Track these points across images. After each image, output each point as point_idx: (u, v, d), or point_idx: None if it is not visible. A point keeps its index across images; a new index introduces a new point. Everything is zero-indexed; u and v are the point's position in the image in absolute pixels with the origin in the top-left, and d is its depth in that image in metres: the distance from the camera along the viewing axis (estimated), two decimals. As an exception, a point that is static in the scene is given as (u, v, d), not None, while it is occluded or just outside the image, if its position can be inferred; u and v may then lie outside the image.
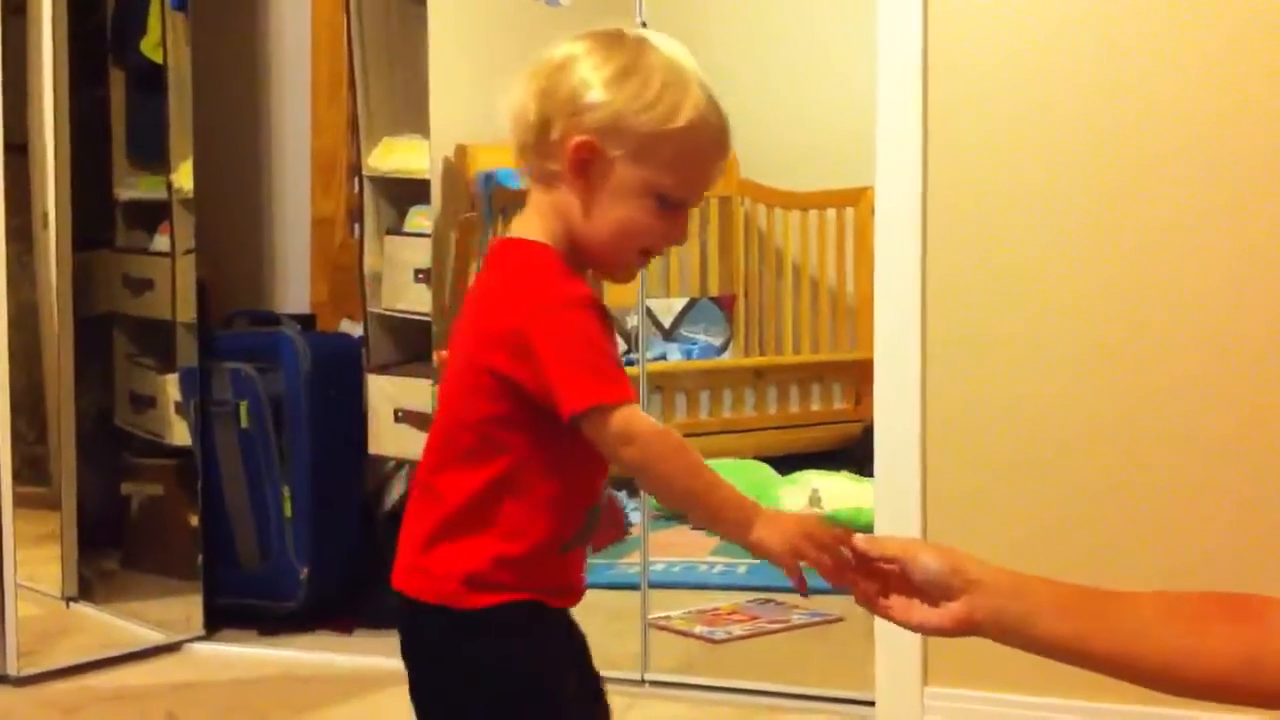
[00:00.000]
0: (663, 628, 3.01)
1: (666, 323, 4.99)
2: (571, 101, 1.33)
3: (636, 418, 1.29)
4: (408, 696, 2.74)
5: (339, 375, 3.22)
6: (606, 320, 1.33)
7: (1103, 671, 1.22)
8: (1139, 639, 1.20)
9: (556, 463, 1.33)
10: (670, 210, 1.35)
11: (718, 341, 4.99)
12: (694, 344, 4.92)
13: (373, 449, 3.22)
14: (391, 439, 3.19)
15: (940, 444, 2.38)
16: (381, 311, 3.29)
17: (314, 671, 2.87)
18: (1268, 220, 2.18)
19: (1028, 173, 2.33)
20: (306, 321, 3.37)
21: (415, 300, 3.20)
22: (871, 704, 2.44)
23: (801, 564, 1.26)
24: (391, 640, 2.96)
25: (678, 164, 1.33)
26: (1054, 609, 1.24)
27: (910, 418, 2.40)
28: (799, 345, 4.92)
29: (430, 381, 3.10)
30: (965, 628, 1.23)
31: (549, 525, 1.35)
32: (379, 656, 2.92)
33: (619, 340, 1.45)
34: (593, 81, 1.33)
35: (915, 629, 1.26)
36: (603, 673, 2.71)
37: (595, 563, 3.28)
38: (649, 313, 4.95)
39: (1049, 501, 2.32)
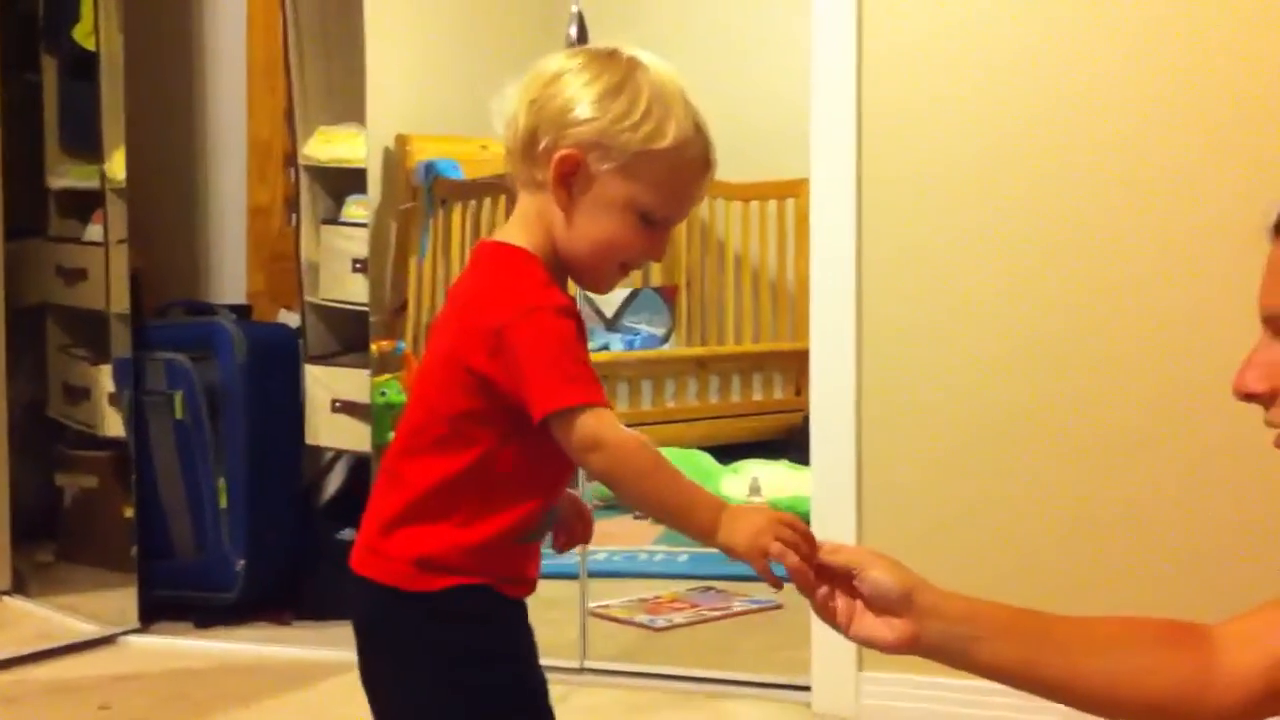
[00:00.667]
0: (603, 616, 3.02)
1: (609, 313, 4.98)
2: (560, 115, 1.37)
3: (605, 423, 1.30)
4: (344, 688, 2.73)
5: (275, 366, 3.20)
6: (582, 328, 1.36)
7: (1046, 696, 1.23)
8: (1083, 664, 1.21)
9: (523, 460, 1.35)
10: (651, 227, 1.38)
11: (660, 331, 5.00)
12: (636, 334, 4.93)
13: (310, 440, 3.20)
14: (329, 430, 3.17)
15: (875, 433, 2.40)
16: (319, 302, 3.27)
17: (250, 663, 2.85)
18: (1203, 215, 2.21)
19: (963, 164, 2.35)
20: (242, 311, 3.35)
21: (353, 291, 3.18)
22: (808, 689, 2.46)
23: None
24: (329, 631, 3.00)
25: (661, 183, 1.36)
26: (1000, 633, 1.25)
27: (846, 407, 2.42)
28: (741, 335, 4.94)
29: (368, 372, 3.09)
30: (908, 647, 1.24)
31: (508, 519, 1.36)
32: (316, 648, 2.91)
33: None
34: (582, 97, 1.37)
35: (860, 641, 1.26)
36: (541, 661, 2.72)
37: (535, 551, 3.30)
38: (591, 303, 4.95)
39: (982, 489, 2.34)
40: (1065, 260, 2.30)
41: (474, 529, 1.36)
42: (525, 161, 1.39)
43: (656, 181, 1.37)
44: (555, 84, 1.39)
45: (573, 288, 1.48)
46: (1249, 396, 1.15)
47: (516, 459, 1.35)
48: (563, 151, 1.36)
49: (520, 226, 1.41)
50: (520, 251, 1.40)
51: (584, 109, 1.36)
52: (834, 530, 2.43)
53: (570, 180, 1.37)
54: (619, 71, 1.38)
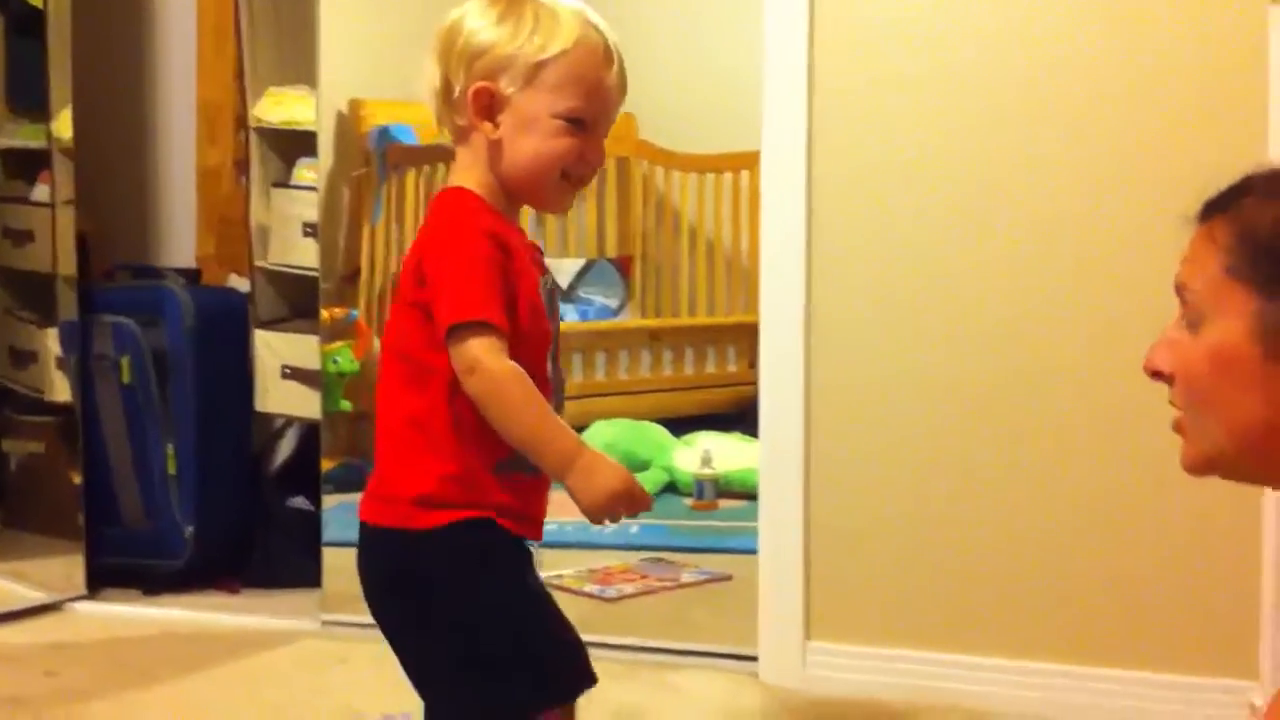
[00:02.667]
0: (554, 587, 2.99)
1: (564, 283, 4.97)
2: (463, 54, 1.45)
3: (486, 349, 1.36)
4: (292, 657, 2.73)
5: (224, 331, 3.17)
6: (505, 254, 1.40)
7: None
8: None
9: None
10: (580, 131, 1.45)
11: (614, 303, 5.00)
12: (590, 305, 4.93)
13: (259, 406, 3.18)
14: (279, 396, 3.15)
15: (824, 406, 2.41)
16: (269, 266, 3.24)
17: (198, 631, 2.83)
18: (1150, 207, 2.22)
19: (913, 140, 2.35)
20: (191, 276, 3.31)
21: (303, 255, 3.15)
22: (755, 659, 2.48)
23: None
24: (278, 599, 2.98)
25: (568, 85, 1.44)
26: None
27: (794, 380, 2.42)
28: (695, 308, 4.94)
29: (318, 339, 3.06)
30: None
31: (482, 443, 1.40)
32: (265, 616, 2.90)
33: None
34: (476, 29, 1.45)
35: None
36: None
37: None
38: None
39: (929, 460, 2.36)
40: (1016, 237, 2.30)
41: (454, 458, 1.42)
42: (449, 112, 1.48)
43: (564, 85, 1.45)
44: (452, 31, 1.47)
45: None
46: (1156, 375, 1.17)
47: None
48: (474, 86, 1.44)
49: (463, 170, 1.48)
50: (459, 190, 1.47)
51: (479, 42, 1.46)
52: (781, 501, 2.45)
53: (489, 110, 1.45)
54: (502, 4, 1.47)
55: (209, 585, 3.07)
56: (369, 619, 2.93)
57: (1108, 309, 2.24)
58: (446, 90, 1.47)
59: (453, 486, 1.42)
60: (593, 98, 1.47)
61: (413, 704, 2.28)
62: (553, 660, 1.47)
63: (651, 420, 4.23)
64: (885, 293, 2.38)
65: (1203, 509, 2.11)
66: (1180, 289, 1.16)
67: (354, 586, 2.99)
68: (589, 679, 1.49)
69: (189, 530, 3.07)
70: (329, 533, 2.96)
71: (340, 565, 2.96)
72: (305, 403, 3.09)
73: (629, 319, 4.90)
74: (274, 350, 3.14)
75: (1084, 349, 2.26)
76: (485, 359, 1.36)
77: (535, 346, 1.44)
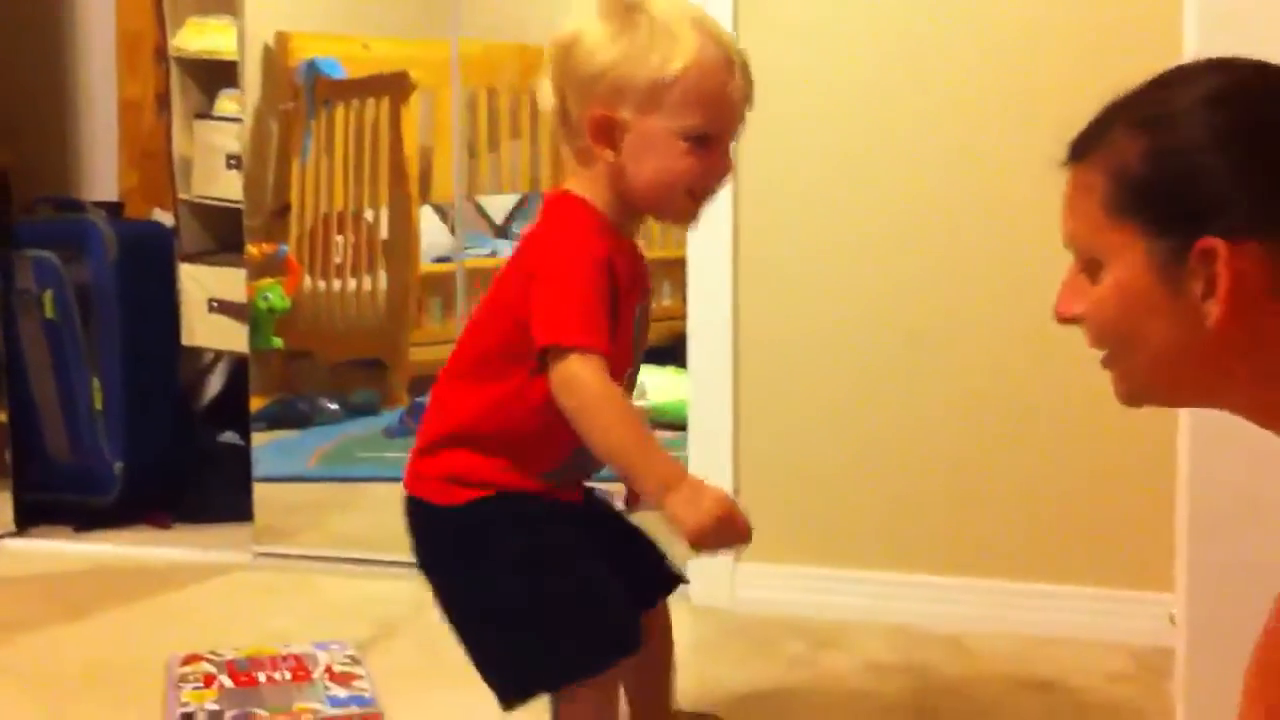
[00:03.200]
0: (487, 517, 3.03)
1: (499, 219, 4.94)
2: (580, 77, 1.44)
3: (586, 369, 1.37)
4: (223, 589, 2.73)
5: (149, 264, 3.12)
6: (611, 283, 1.42)
7: None
8: None
9: (549, 399, 1.41)
10: (704, 147, 1.44)
11: (550, 238, 4.96)
12: (526, 240, 4.89)
13: (186, 340, 3.15)
14: (205, 330, 3.12)
15: (751, 338, 2.42)
16: (192, 199, 3.20)
17: (129, 565, 2.81)
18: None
19: (834, 83, 2.35)
20: (114, 209, 3.25)
21: (227, 187, 3.11)
22: (687, 582, 2.49)
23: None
24: (209, 534, 2.97)
25: (689, 104, 1.42)
26: None
27: (721, 313, 2.44)
28: (631, 241, 4.92)
29: (244, 272, 3.03)
30: None
31: (531, 452, 1.47)
32: (196, 549, 2.89)
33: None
34: (592, 48, 1.44)
35: None
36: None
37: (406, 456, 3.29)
38: (480, 210, 4.90)
39: (854, 391, 2.37)
40: (944, 173, 2.31)
41: (502, 459, 1.48)
42: (569, 136, 1.48)
43: (684, 104, 1.42)
44: (567, 49, 1.47)
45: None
46: (1067, 319, 1.18)
47: (546, 396, 1.42)
48: (591, 114, 1.43)
49: (585, 178, 1.48)
50: (578, 201, 1.48)
51: (596, 64, 1.43)
52: (710, 431, 2.46)
53: (608, 136, 1.44)
54: (616, 20, 1.44)
55: (140, 520, 3.05)
56: (300, 550, 2.95)
57: (1026, 243, 2.25)
58: (563, 113, 1.46)
59: (485, 473, 1.48)
60: (717, 112, 1.45)
61: (343, 632, 2.30)
62: (572, 630, 1.48)
63: (587, 355, 4.21)
64: (812, 224, 2.39)
65: (1119, 425, 2.13)
66: (1070, 242, 1.17)
67: (285, 520, 3.01)
68: (619, 649, 1.48)
69: (118, 465, 3.04)
70: (262, 469, 2.95)
71: (272, 499, 2.95)
72: (233, 336, 3.07)
73: (564, 254, 4.87)
74: (200, 284, 3.11)
75: (1004, 280, 2.28)
76: (584, 375, 1.37)
77: (613, 370, 1.44)
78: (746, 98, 1.48)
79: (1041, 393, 2.25)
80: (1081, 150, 1.15)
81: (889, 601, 2.36)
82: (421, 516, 1.54)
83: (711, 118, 1.44)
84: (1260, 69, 1.12)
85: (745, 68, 1.47)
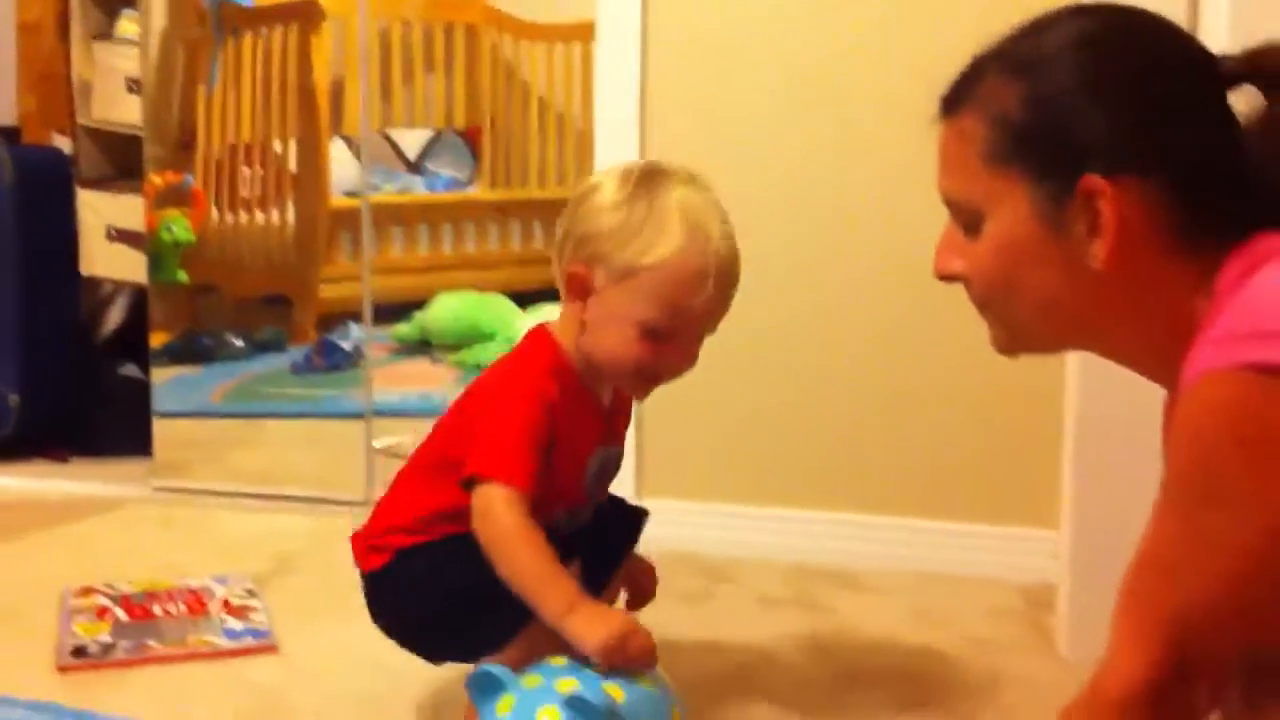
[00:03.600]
0: (391, 454, 3.02)
1: (411, 155, 4.90)
2: (576, 229, 1.48)
3: (500, 502, 1.42)
4: (118, 522, 2.70)
5: (46, 191, 3.04)
6: (549, 427, 1.46)
7: None
8: None
9: None
10: (659, 341, 1.47)
11: (463, 175, 4.94)
12: (438, 177, 4.86)
13: (85, 270, 3.08)
14: (105, 259, 3.06)
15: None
16: (91, 124, 3.13)
17: (24, 498, 2.76)
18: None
19: (747, 19, 2.34)
20: (11, 134, 3.17)
21: (127, 112, 3.05)
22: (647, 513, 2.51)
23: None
24: (108, 467, 2.93)
25: (650, 298, 1.45)
26: None
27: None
28: (545, 180, 4.90)
29: (142, 200, 2.97)
30: None
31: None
32: (95, 483, 2.85)
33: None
34: (596, 209, 1.48)
35: None
36: (328, 495, 2.71)
37: (324, 394, 3.27)
38: (393, 145, 4.85)
39: (751, 329, 2.39)
40: (853, 109, 2.32)
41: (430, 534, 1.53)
42: (559, 268, 1.52)
43: (646, 297, 1.45)
44: (583, 199, 1.50)
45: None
46: (949, 278, 1.19)
47: None
48: (572, 267, 1.48)
49: (565, 319, 1.53)
50: (547, 338, 1.53)
51: (591, 225, 1.47)
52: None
53: (579, 294, 1.48)
54: (633, 188, 1.47)
55: (36, 454, 3.00)
56: (200, 485, 2.92)
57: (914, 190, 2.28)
58: (560, 252, 1.50)
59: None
60: (674, 315, 1.47)
61: (241, 567, 2.29)
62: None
63: (499, 293, 4.21)
64: (719, 159, 2.39)
65: (1008, 366, 2.16)
66: (948, 200, 1.17)
67: (185, 455, 2.98)
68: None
69: (14, 398, 2.98)
70: (164, 404, 2.92)
71: (172, 434, 2.92)
72: (134, 266, 3.01)
73: (477, 191, 4.84)
74: (98, 212, 3.05)
75: (893, 217, 2.30)
76: (497, 507, 1.42)
77: (551, 507, 1.49)
78: (713, 311, 1.51)
79: (933, 332, 2.28)
80: (955, 101, 1.16)
81: (784, 538, 2.39)
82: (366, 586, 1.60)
83: (668, 318, 1.47)
84: (1124, 10, 1.14)
85: (724, 279, 1.49)
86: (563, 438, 1.49)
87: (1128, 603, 1.06)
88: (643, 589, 1.72)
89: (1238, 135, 1.09)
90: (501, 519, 1.41)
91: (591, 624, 1.36)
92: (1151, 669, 1.03)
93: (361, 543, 1.60)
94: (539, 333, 1.56)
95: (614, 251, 1.45)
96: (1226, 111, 1.11)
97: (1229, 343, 0.99)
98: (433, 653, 1.58)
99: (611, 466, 1.63)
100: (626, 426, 1.68)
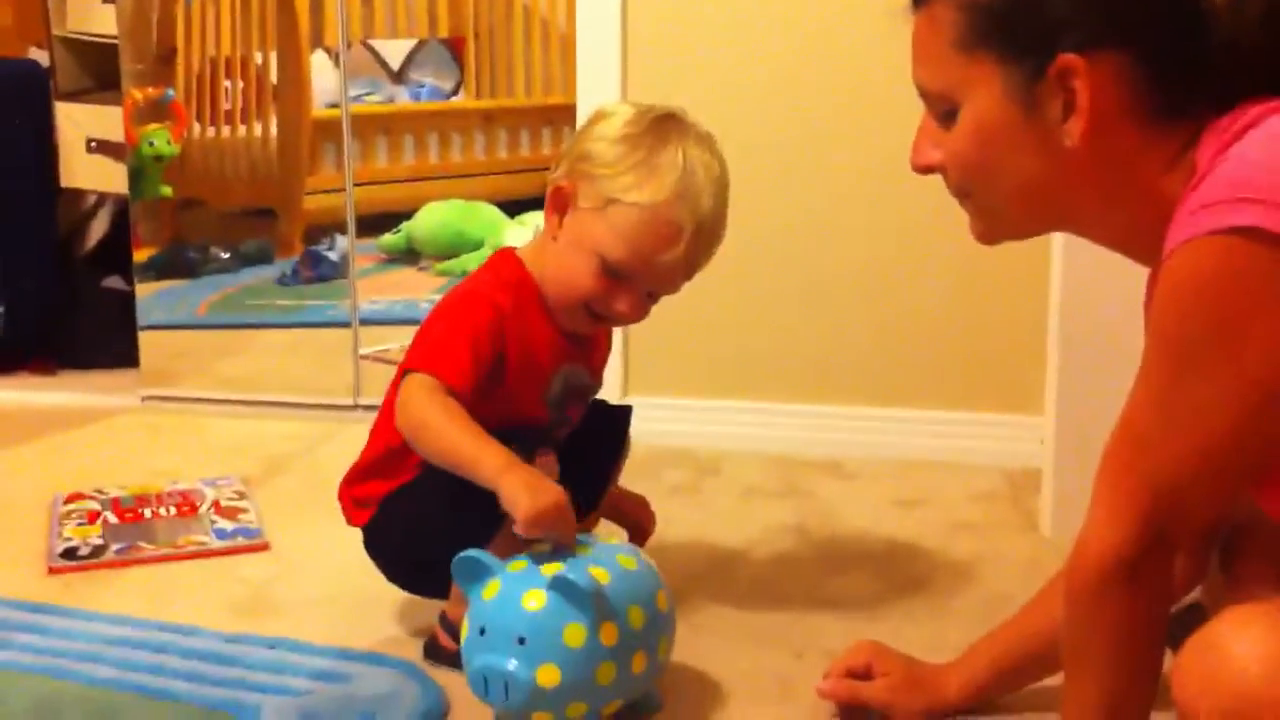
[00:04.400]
0: (378, 359, 3.02)
1: (395, 65, 4.83)
2: (574, 150, 1.48)
3: (420, 387, 1.41)
4: (104, 432, 2.70)
5: (23, 103, 3.02)
6: (498, 336, 1.46)
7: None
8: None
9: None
10: (614, 280, 1.46)
11: (447, 85, 4.88)
12: (423, 87, 4.80)
13: (66, 182, 3.06)
14: (85, 171, 3.03)
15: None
16: (68, 34, 3.08)
17: (11, 409, 2.77)
18: None
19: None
20: (-13, 47, 3.14)
21: (104, 22, 3.00)
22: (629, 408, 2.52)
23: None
24: (94, 378, 2.93)
25: (626, 236, 1.44)
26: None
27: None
28: (531, 89, 4.85)
29: (120, 109, 2.94)
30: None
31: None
32: (82, 393, 2.86)
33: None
34: (599, 134, 1.47)
35: None
36: (317, 400, 2.71)
37: (310, 304, 3.26)
38: (376, 54, 4.79)
39: (732, 227, 2.38)
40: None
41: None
42: (550, 183, 1.50)
43: (621, 233, 1.44)
44: (593, 125, 1.50)
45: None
46: (926, 169, 1.18)
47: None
48: (559, 182, 1.48)
49: (537, 240, 1.54)
50: (510, 256, 1.54)
51: (589, 147, 1.46)
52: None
53: (559, 209, 1.48)
54: (644, 127, 1.46)
55: (23, 366, 3.01)
56: (188, 393, 2.93)
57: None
58: (557, 163, 1.50)
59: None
60: (639, 263, 1.45)
61: (231, 470, 2.30)
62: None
63: (486, 202, 4.18)
64: (702, 59, 2.38)
65: (993, 254, 2.16)
66: (923, 91, 1.16)
67: (173, 365, 2.98)
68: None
69: (-1, 310, 2.98)
70: (150, 317, 2.91)
71: (159, 345, 2.92)
72: (114, 177, 2.99)
73: (462, 100, 4.79)
74: (77, 123, 3.01)
75: (881, 117, 2.26)
76: (417, 394, 1.41)
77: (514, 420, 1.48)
78: (677, 272, 1.49)
79: (916, 220, 2.27)
80: None
81: (770, 430, 2.40)
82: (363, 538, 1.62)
83: (632, 263, 1.45)
84: None
85: (698, 245, 1.47)
86: (517, 351, 1.49)
87: (1108, 470, 1.07)
88: (641, 527, 1.73)
89: (1207, 8, 1.08)
90: (416, 401, 1.41)
91: (525, 488, 1.33)
92: (1131, 535, 1.04)
93: (347, 496, 1.61)
94: (503, 252, 1.56)
95: (603, 178, 1.44)
96: None
97: (1205, 212, 0.99)
98: (440, 590, 1.55)
99: (579, 389, 1.60)
100: (603, 356, 1.65)
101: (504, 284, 1.50)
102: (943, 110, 1.15)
